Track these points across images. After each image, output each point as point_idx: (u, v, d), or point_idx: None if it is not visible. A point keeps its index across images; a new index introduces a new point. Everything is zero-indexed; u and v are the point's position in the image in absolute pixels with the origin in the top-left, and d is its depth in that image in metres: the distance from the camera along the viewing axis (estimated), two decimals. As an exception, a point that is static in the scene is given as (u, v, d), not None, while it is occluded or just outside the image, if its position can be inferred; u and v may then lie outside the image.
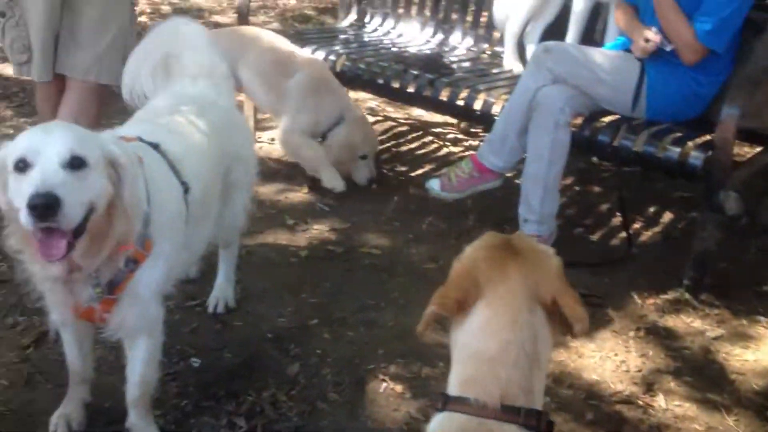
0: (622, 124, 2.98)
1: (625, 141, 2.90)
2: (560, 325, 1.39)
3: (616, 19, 3.18)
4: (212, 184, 2.17)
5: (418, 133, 4.31)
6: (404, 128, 4.44)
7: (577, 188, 3.75)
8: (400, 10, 4.33)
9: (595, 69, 2.94)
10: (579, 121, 3.03)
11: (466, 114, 3.42)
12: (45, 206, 1.50)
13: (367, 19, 4.42)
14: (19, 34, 2.65)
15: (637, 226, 3.42)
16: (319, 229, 3.27)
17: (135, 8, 2.81)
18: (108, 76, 2.69)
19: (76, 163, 1.58)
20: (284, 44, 3.64)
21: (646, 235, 3.36)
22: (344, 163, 3.54)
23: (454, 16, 4.18)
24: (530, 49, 3.65)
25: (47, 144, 1.57)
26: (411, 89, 3.50)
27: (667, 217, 3.53)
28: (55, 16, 2.61)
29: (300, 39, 3.97)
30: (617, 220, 3.42)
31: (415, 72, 3.54)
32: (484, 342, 1.33)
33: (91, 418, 2.07)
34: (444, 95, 3.43)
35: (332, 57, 3.75)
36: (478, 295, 1.36)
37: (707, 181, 2.76)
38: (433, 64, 3.67)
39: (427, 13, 4.27)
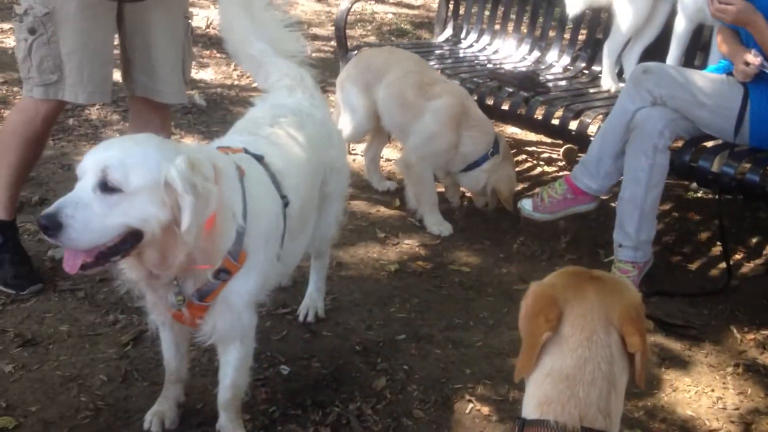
0: (724, 150, 2.94)
1: (727, 168, 2.87)
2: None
3: (719, 44, 3.14)
4: (310, 197, 2.26)
5: (512, 151, 4.33)
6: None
7: (675, 215, 3.70)
8: (497, 27, 4.38)
9: (695, 92, 2.92)
10: (679, 144, 3.02)
11: (561, 134, 3.43)
12: (44, 227, 1.61)
13: (462, 35, 4.48)
14: (49, 53, 2.55)
15: (737, 256, 3.37)
16: (410, 244, 3.33)
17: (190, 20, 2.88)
18: (182, 96, 2.86)
19: (107, 187, 1.62)
20: (430, 69, 3.63)
21: (747, 267, 3.31)
22: (488, 198, 3.55)
23: (552, 34, 4.19)
24: (629, 69, 3.64)
25: (92, 163, 1.65)
26: (505, 107, 3.54)
27: (770, 248, 3.46)
28: (101, 36, 2.61)
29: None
30: (717, 249, 3.37)
31: (510, 89, 3.58)
32: (560, 359, 1.36)
33: (183, 417, 2.18)
34: (539, 114, 3.45)
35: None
36: (557, 313, 1.39)
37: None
38: (529, 82, 3.69)
39: (524, 30, 4.30)
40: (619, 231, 3.03)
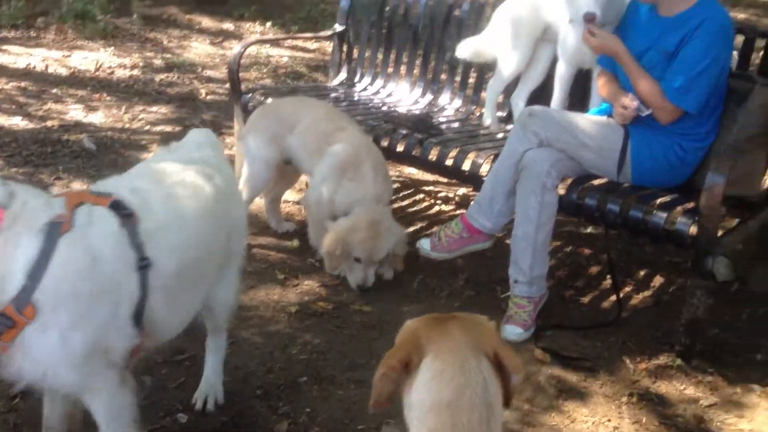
0: (608, 188, 3.14)
1: (612, 205, 3.06)
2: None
3: (599, 87, 3.38)
4: (200, 256, 2.16)
5: (410, 191, 4.46)
6: (395, 186, 4.59)
7: (567, 250, 3.90)
8: (390, 70, 4.52)
9: (578, 134, 3.12)
10: (567, 183, 3.20)
11: (455, 174, 3.57)
12: None
13: (357, 78, 4.62)
14: None
15: (627, 289, 3.57)
16: (310, 285, 3.40)
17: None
18: None
19: None
20: (340, 117, 3.68)
21: (636, 299, 3.51)
22: (336, 258, 3.37)
23: (443, 77, 4.37)
24: (517, 112, 3.85)
25: None
26: (400, 148, 3.66)
27: (658, 281, 3.67)
28: None
29: (292, 95, 4.14)
30: (607, 283, 3.57)
31: (404, 131, 3.71)
32: (438, 391, 1.44)
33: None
34: (433, 155, 3.59)
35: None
36: (422, 354, 1.49)
37: (695, 247, 2.91)
38: (423, 124, 3.85)
39: (416, 72, 4.46)
40: (514, 267, 3.18)
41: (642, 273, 3.73)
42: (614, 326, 3.23)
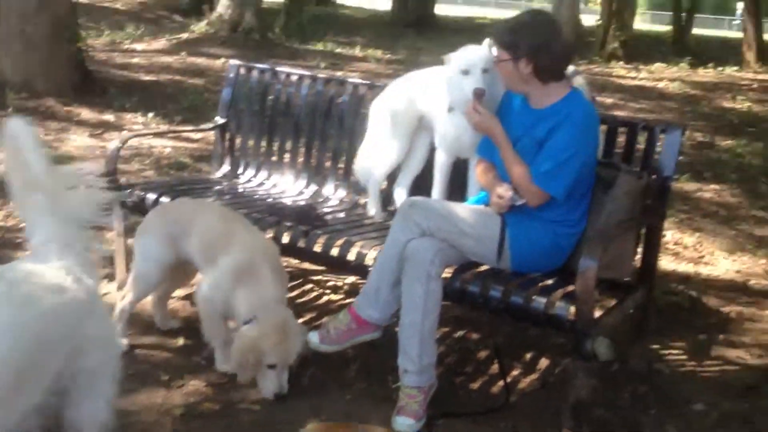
0: (489, 275, 3.23)
1: (494, 292, 3.14)
2: None
3: (478, 176, 3.50)
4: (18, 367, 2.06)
5: (298, 281, 4.44)
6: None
7: (456, 335, 3.95)
8: (274, 160, 4.55)
9: (458, 223, 3.21)
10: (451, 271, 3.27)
11: (341, 265, 3.59)
12: None
13: (240, 170, 4.62)
14: None
15: (515, 372, 3.63)
16: (196, 385, 3.32)
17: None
18: None
19: None
20: (235, 220, 3.61)
21: (525, 382, 3.57)
22: (249, 369, 3.24)
23: (327, 164, 4.42)
24: (399, 201, 3.93)
25: None
26: (285, 240, 3.66)
27: (544, 363, 3.75)
28: None
29: (172, 191, 4.10)
30: (496, 368, 3.62)
31: (289, 223, 3.72)
32: None
33: None
34: (318, 246, 3.61)
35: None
36: None
37: (574, 330, 3.00)
38: (307, 216, 3.87)
39: (300, 162, 4.50)
40: (403, 357, 3.19)
41: (529, 355, 3.81)
42: (504, 411, 3.28)
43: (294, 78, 4.57)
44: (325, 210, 4.09)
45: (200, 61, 11.74)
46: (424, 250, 3.13)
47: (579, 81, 3.95)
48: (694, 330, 4.12)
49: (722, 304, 4.44)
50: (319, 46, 14.83)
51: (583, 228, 3.31)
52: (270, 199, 4.21)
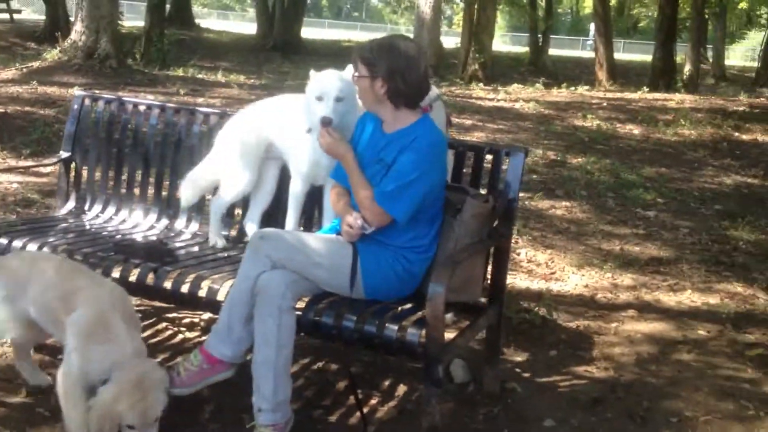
0: (343, 305, 3.22)
1: (347, 322, 3.14)
2: None
3: (332, 202, 3.50)
4: None
5: (151, 320, 4.29)
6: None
7: (314, 367, 3.91)
8: (122, 192, 4.41)
9: (310, 253, 3.20)
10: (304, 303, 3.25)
11: (192, 302, 3.50)
12: None
13: (87, 206, 4.45)
14: None
15: (374, 401, 3.63)
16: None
17: None
18: None
19: None
20: (75, 273, 3.32)
21: (382, 411, 3.57)
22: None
23: (179, 197, 4.32)
24: (250, 232, 3.88)
25: None
26: (133, 279, 3.54)
27: (402, 389, 3.77)
28: None
29: (10, 231, 3.90)
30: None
31: (137, 261, 3.60)
32: None
33: None
34: (168, 284, 3.50)
35: (47, 249, 3.71)
36: None
37: (425, 356, 3.03)
38: (157, 251, 3.76)
39: (150, 192, 4.37)
40: (257, 394, 3.14)
41: (387, 383, 3.81)
42: (362, 442, 3.28)
43: (142, 108, 4.45)
44: (177, 245, 3.98)
45: (52, 90, 11.28)
46: (276, 283, 3.10)
47: (439, 104, 4.03)
48: (545, 346, 4.25)
49: (571, 319, 4.61)
50: (180, 72, 14.59)
51: (434, 253, 3.36)
52: (118, 236, 4.05)
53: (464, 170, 3.84)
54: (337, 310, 3.20)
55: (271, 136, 3.81)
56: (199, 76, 14.52)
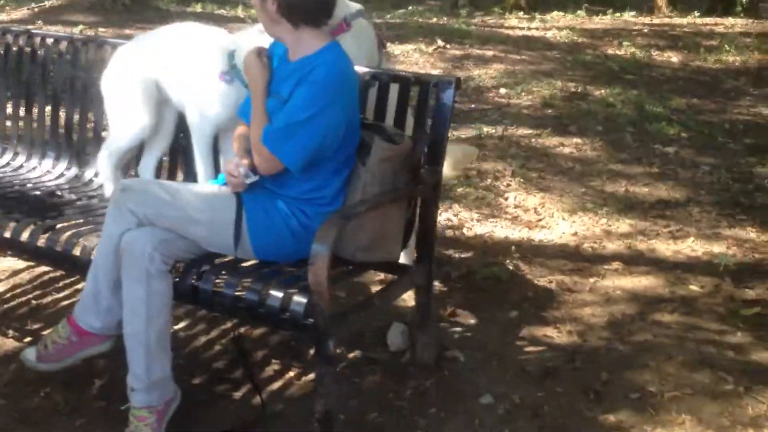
0: (228, 268, 2.77)
1: (228, 289, 2.69)
2: None
3: (233, 142, 3.02)
4: None
5: (27, 284, 3.86)
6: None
7: (208, 337, 3.45)
8: (27, 136, 3.99)
9: (184, 207, 2.75)
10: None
11: (67, 263, 3.09)
12: None
13: (-3, 152, 4.04)
14: None
15: (291, 374, 3.19)
16: None
17: None
18: None
19: None
20: None
21: (296, 387, 3.13)
22: None
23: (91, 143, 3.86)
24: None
25: None
26: (7, 235, 3.12)
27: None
28: None
29: None
30: (271, 370, 3.19)
31: (17, 215, 3.20)
32: None
33: None
34: (41, 241, 3.08)
35: None
36: None
37: (313, 330, 2.57)
38: (42, 204, 3.35)
39: (61, 138, 3.94)
40: (130, 373, 2.73)
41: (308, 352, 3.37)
42: (261, 425, 2.87)
43: (50, 41, 3.98)
44: (74, 197, 3.56)
45: (55, 29, 10.91)
46: (141, 243, 2.66)
47: (362, 24, 3.49)
48: (506, 307, 3.75)
49: (545, 273, 4.09)
50: (198, 8, 14.07)
51: (341, 206, 2.87)
52: (15, 187, 3.64)
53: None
54: (219, 275, 2.75)
55: (158, 75, 3.35)
56: (219, 11, 13.94)
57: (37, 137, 3.99)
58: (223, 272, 2.75)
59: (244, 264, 2.81)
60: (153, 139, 3.51)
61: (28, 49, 3.99)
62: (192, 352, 3.32)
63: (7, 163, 3.95)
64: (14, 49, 4.04)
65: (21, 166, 3.92)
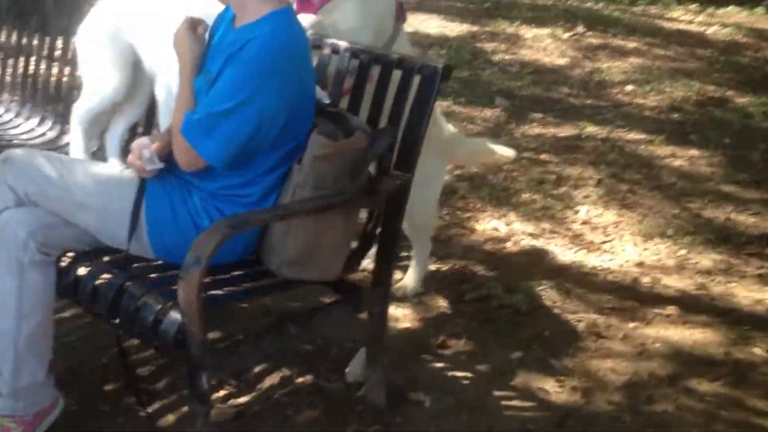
0: (117, 266, 2.33)
1: (108, 289, 2.25)
2: None
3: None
4: None
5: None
6: None
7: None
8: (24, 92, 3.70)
9: (74, 189, 2.33)
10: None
11: None
12: None
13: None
14: None
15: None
16: None
17: None
18: None
19: None
20: None
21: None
22: None
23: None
24: (112, 152, 3.08)
25: None
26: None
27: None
28: None
29: None
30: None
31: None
32: None
33: None
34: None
35: None
36: None
37: (186, 357, 2.09)
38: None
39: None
40: (-1, 374, 2.36)
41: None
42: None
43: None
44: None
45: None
46: (17, 226, 2.28)
47: None
48: (512, 344, 3.13)
49: (578, 309, 3.41)
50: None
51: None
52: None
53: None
54: (109, 272, 2.31)
55: (132, 36, 2.96)
56: None
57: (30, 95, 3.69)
58: (115, 269, 2.30)
59: (139, 264, 2.35)
60: (125, 104, 3.14)
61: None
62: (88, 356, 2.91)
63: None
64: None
65: (9, 122, 3.63)
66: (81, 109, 3.12)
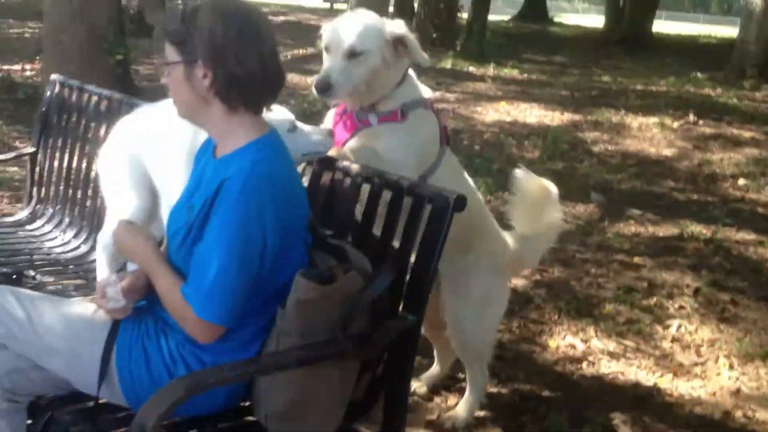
0: (91, 413, 2.07)
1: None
2: None
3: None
4: None
5: None
6: None
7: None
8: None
9: (42, 332, 2.09)
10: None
11: None
12: None
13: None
14: None
15: None
16: None
17: None
18: None
19: None
20: None
21: None
22: None
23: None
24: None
25: None
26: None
27: None
28: None
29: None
30: None
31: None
32: None
33: None
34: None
35: None
36: None
37: None
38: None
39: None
40: None
41: None
42: None
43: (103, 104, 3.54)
44: (49, 279, 3.09)
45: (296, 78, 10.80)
46: (-18, 369, 2.05)
47: (421, 115, 2.72)
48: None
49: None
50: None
51: (258, 352, 2.07)
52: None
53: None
54: (78, 422, 2.05)
55: (143, 158, 2.83)
56: (469, 69, 12.98)
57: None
58: (81, 422, 2.05)
59: (107, 416, 2.08)
60: (147, 226, 2.94)
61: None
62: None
63: (43, 225, 3.60)
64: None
65: (49, 233, 3.53)
66: (105, 235, 2.95)
